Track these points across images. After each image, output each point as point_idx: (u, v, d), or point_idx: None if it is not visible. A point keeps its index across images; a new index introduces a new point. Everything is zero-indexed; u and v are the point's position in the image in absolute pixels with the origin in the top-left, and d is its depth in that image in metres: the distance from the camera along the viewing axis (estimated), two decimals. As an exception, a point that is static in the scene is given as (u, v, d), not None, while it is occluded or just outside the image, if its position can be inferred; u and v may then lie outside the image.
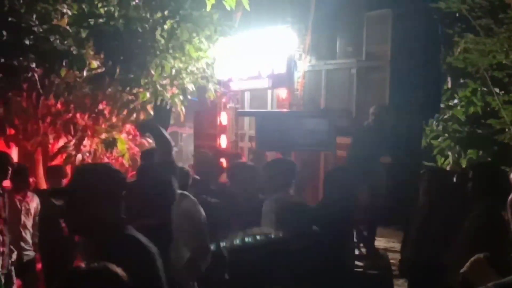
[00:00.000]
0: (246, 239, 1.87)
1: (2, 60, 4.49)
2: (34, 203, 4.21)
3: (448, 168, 5.47)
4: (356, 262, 4.53)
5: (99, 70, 5.01)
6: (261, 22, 6.59)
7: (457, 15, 5.63)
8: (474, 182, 3.25)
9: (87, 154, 5.58)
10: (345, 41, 5.95)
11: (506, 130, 5.26)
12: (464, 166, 5.46)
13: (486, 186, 3.21)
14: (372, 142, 5.04)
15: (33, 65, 4.61)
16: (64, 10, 4.67)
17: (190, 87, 5.44)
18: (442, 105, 5.93)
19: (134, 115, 5.35)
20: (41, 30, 4.48)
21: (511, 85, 5.37)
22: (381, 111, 5.01)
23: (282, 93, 7.00)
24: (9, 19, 4.33)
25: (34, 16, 4.43)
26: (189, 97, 5.57)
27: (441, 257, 3.47)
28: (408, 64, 5.56)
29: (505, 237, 3.15)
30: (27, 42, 4.42)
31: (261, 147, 5.75)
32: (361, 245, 5.39)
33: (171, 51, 5.05)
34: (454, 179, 4.32)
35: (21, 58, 4.52)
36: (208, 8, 4.71)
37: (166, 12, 4.84)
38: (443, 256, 3.43)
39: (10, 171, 4.02)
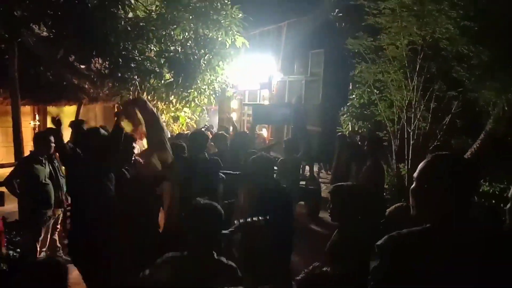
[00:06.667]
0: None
1: (119, 74, 6.59)
2: None
3: (347, 131, 9.00)
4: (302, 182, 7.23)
5: (170, 80, 7.19)
6: (255, 52, 10.15)
7: (356, 51, 7.88)
8: (368, 144, 5.04)
9: (163, 124, 8.93)
10: (299, 65, 9.91)
11: (378, 112, 8.05)
12: (356, 129, 8.89)
13: (373, 148, 4.94)
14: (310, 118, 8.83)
15: (135, 77, 6.69)
16: (152, 47, 6.87)
17: (217, 88, 8.21)
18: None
19: (188, 103, 8.08)
20: (140, 58, 6.63)
21: (384, 90, 8.05)
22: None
23: (265, 93, 10.81)
24: (123, 52, 6.36)
25: (136, 51, 6.58)
26: (216, 93, 8.45)
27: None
28: (332, 78, 9.43)
29: (383, 178, 5.00)
30: (132, 65, 6.50)
31: (255, 122, 8.80)
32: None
33: (208, 70, 7.50)
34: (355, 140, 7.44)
35: (129, 73, 6.59)
36: (227, 46, 7.33)
37: (206, 50, 7.29)
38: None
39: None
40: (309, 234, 6.04)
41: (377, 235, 1.54)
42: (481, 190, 6.13)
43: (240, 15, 7.19)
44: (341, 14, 9.50)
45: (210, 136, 6.00)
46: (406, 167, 7.04)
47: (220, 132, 6.30)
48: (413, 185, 1.53)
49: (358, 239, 2.16)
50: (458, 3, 6.54)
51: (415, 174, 1.54)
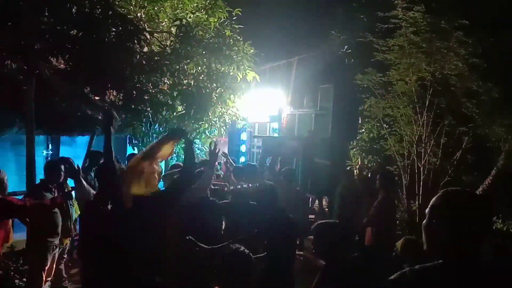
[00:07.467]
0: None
1: (132, 106, 6.49)
2: None
3: (357, 165, 8.99)
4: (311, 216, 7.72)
5: (182, 112, 7.02)
6: (266, 86, 10.28)
7: (366, 86, 7.90)
8: (379, 179, 5.04)
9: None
10: (309, 99, 9.96)
11: (388, 147, 7.92)
12: (366, 163, 8.71)
13: (385, 183, 4.98)
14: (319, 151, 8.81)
15: (148, 109, 6.68)
16: (165, 80, 6.84)
17: (227, 120, 8.00)
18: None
19: (199, 135, 7.79)
20: (153, 91, 6.68)
21: (393, 124, 7.91)
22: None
23: (275, 125, 10.85)
24: (137, 85, 6.39)
25: (150, 83, 6.60)
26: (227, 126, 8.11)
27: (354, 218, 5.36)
28: (341, 112, 9.40)
29: (394, 213, 5.02)
30: (146, 97, 6.54)
31: (264, 154, 8.79)
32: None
33: (219, 103, 7.34)
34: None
35: (142, 105, 6.62)
36: (238, 80, 7.14)
37: (218, 84, 7.12)
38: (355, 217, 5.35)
39: None
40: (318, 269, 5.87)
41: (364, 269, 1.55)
42: (493, 227, 5.99)
43: (252, 50, 7.31)
44: (350, 50, 9.63)
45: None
46: (417, 202, 6.90)
47: (243, 165, 6.31)
48: (425, 220, 1.53)
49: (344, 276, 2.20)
50: (466, 41, 6.64)
51: (427, 210, 1.54)
